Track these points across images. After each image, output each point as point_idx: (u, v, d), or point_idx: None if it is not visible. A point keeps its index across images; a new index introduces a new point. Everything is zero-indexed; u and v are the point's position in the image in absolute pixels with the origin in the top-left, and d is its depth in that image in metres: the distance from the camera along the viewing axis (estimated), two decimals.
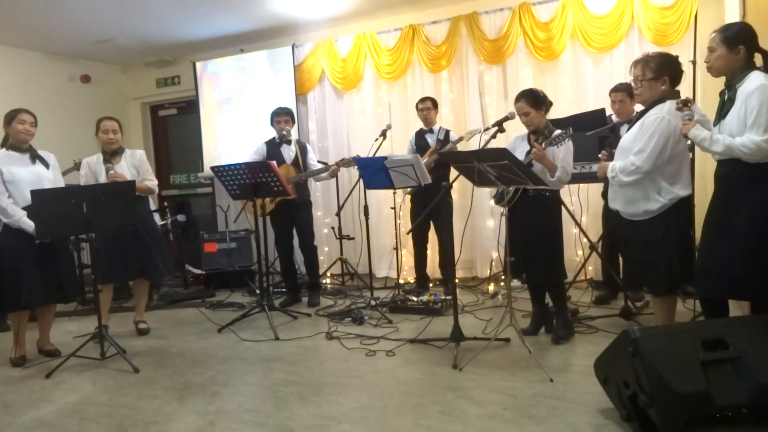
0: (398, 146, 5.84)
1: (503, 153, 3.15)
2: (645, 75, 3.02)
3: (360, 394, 3.07)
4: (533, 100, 3.61)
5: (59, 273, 3.91)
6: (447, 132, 5.22)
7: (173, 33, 6.39)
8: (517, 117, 3.75)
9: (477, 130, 4.95)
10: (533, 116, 3.62)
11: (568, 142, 3.52)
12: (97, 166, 4.29)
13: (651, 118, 2.97)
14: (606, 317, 4.10)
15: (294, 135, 5.29)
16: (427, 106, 5.18)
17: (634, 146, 3.00)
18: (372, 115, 6.21)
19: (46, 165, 3.96)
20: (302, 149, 5.17)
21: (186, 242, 6.64)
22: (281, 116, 5.11)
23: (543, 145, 3.48)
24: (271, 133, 5.23)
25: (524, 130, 3.78)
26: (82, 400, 3.23)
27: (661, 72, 3.00)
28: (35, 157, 3.93)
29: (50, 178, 3.95)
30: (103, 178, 4.23)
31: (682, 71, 3.08)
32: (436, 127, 5.23)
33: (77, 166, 4.93)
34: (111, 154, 4.32)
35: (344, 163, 4.99)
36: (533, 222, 3.60)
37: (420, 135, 5.28)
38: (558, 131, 3.51)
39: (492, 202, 3.68)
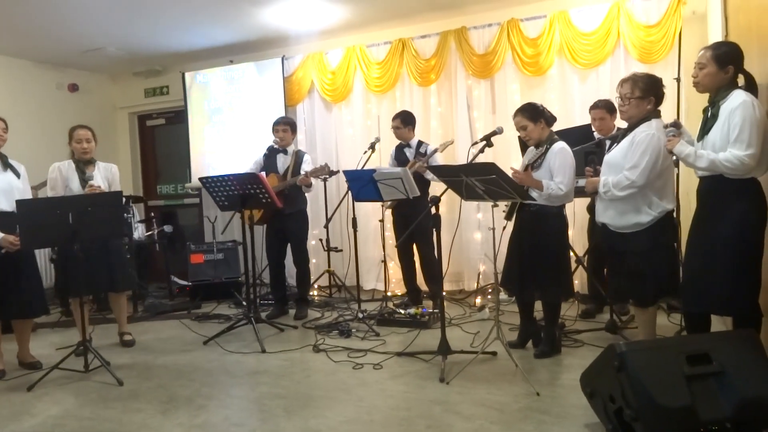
0: (387, 159, 5.84)
1: (491, 167, 3.17)
2: (633, 93, 3.09)
3: (347, 407, 3.06)
4: (530, 114, 3.63)
5: (22, 286, 3.79)
6: (425, 145, 5.26)
7: (163, 43, 6.38)
8: (505, 132, 3.79)
9: (449, 142, 5.06)
10: (531, 129, 3.64)
11: (566, 157, 3.55)
12: (69, 172, 4.20)
13: (642, 134, 3.04)
14: (592, 331, 4.13)
15: (294, 145, 5.27)
16: (396, 125, 5.18)
17: (626, 162, 3.06)
18: (361, 127, 6.23)
19: (18, 174, 3.89)
20: (297, 159, 5.14)
21: (172, 253, 6.59)
22: (280, 125, 5.14)
23: (528, 168, 3.53)
24: (263, 143, 5.25)
25: (510, 144, 3.82)
26: (64, 413, 3.18)
27: (649, 92, 3.08)
28: (7, 165, 3.86)
29: (20, 188, 3.87)
30: (75, 185, 4.16)
31: (664, 93, 3.18)
32: (413, 141, 5.25)
33: None
34: (84, 163, 4.27)
35: (314, 172, 4.88)
36: (533, 237, 3.61)
37: (399, 149, 5.30)
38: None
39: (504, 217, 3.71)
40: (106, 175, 4.34)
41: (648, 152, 3.00)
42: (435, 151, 5.00)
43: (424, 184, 4.95)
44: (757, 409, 2.35)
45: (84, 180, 4.19)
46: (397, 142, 5.32)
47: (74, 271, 3.87)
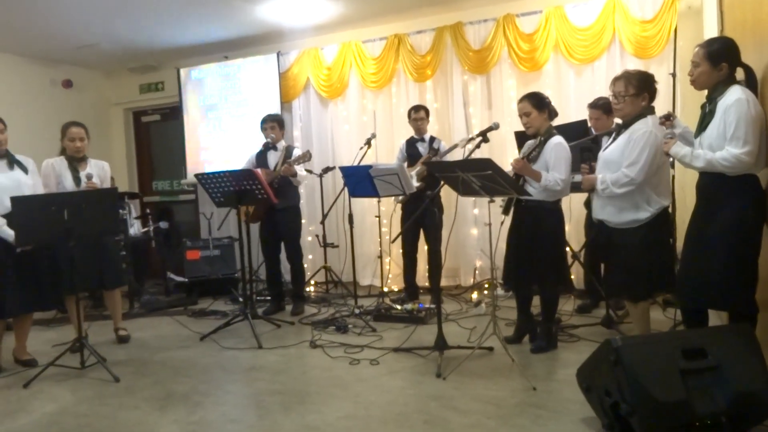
0: (383, 155, 5.86)
1: (487, 163, 3.17)
2: (627, 91, 3.10)
3: (344, 403, 3.07)
4: (536, 101, 3.65)
5: (38, 281, 3.84)
6: (438, 140, 5.26)
7: (157, 39, 6.35)
8: (501, 128, 3.79)
9: (471, 138, 4.98)
10: (534, 117, 3.64)
11: (562, 152, 3.56)
12: (61, 169, 4.17)
13: (640, 132, 3.05)
14: (588, 326, 4.14)
15: (284, 141, 5.26)
16: (421, 116, 5.20)
17: (624, 159, 3.07)
18: (357, 123, 6.22)
19: (25, 170, 3.88)
20: (287, 154, 5.11)
21: (168, 249, 6.57)
22: (267, 123, 5.13)
23: (523, 158, 3.54)
24: (258, 139, 5.24)
25: (506, 140, 3.82)
26: (61, 410, 3.18)
27: (643, 88, 3.09)
28: (13, 162, 3.85)
29: (30, 183, 3.86)
30: (68, 182, 4.13)
31: (657, 89, 3.18)
32: (427, 136, 5.26)
33: None
34: (77, 161, 4.24)
35: (296, 160, 4.85)
36: (530, 232, 3.61)
37: (411, 144, 5.29)
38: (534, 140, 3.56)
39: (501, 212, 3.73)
40: (98, 173, 4.30)
41: (647, 149, 3.01)
42: (454, 147, 4.95)
43: (436, 178, 4.94)
44: (752, 403, 2.36)
45: (78, 178, 4.17)
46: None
47: (69, 268, 3.85)
